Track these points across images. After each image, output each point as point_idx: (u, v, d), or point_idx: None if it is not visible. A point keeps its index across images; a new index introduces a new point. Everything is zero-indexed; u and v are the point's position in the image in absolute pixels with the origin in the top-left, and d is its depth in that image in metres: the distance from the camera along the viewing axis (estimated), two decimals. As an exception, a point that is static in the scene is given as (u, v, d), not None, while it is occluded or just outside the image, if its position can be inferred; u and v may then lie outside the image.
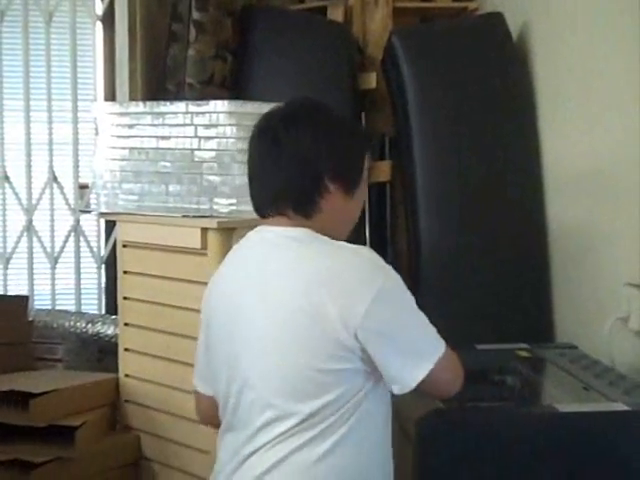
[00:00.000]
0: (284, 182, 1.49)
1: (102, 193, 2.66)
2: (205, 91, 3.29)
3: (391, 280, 1.44)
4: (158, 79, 3.35)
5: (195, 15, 3.27)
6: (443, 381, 1.48)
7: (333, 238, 1.52)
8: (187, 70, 3.27)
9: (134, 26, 3.28)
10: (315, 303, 1.39)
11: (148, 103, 2.59)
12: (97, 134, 2.70)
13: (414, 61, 3.08)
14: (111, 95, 3.36)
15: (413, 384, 1.42)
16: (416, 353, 1.43)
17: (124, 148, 2.61)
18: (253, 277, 1.49)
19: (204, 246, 2.41)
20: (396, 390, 1.44)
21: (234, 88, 3.40)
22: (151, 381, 2.63)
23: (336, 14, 3.68)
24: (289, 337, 1.41)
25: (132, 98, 3.26)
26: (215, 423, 1.61)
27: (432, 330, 1.47)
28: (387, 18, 3.63)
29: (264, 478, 1.41)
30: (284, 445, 1.40)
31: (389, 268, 1.45)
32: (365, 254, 1.46)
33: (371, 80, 3.50)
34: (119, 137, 2.62)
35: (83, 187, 3.37)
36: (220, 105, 2.44)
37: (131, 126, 2.59)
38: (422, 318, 1.47)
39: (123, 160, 2.61)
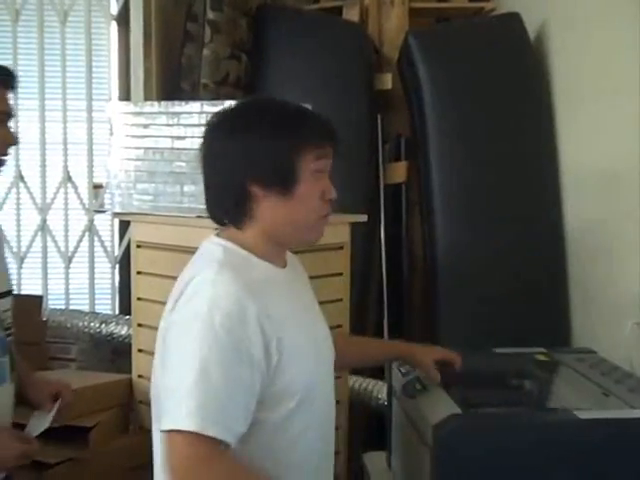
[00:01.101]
0: (212, 194, 1.48)
1: (116, 193, 2.65)
2: (220, 91, 3.28)
3: (199, 316, 1.34)
4: (173, 79, 3.34)
5: (210, 15, 3.25)
6: (170, 456, 1.32)
7: (285, 244, 1.51)
8: (202, 70, 3.26)
9: (149, 26, 3.27)
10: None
11: (163, 103, 2.58)
12: (112, 134, 2.69)
13: (430, 62, 3.06)
14: (126, 95, 3.35)
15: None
16: (169, 404, 1.33)
17: (139, 148, 2.60)
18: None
19: (219, 247, 2.39)
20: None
21: (248, 88, 3.39)
22: (164, 382, 2.61)
23: (352, 14, 3.66)
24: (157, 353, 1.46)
25: (147, 98, 3.25)
26: None
27: (195, 398, 1.29)
28: (403, 18, 3.61)
29: None
30: None
31: (212, 310, 1.34)
32: (200, 290, 1.39)
33: (387, 81, 3.49)
34: (134, 137, 2.61)
35: (97, 187, 3.36)
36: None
37: (146, 126, 2.58)
38: (198, 378, 1.30)
39: (138, 160, 2.60)
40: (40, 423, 1.91)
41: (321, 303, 1.68)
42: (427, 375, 1.82)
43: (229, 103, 2.44)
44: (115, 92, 3.41)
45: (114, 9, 3.33)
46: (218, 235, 1.53)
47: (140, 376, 2.70)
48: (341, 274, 2.62)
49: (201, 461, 1.28)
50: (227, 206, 1.46)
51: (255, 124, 1.43)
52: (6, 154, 1.73)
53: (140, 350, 2.70)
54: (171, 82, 3.35)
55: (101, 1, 3.33)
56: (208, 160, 1.47)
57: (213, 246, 1.50)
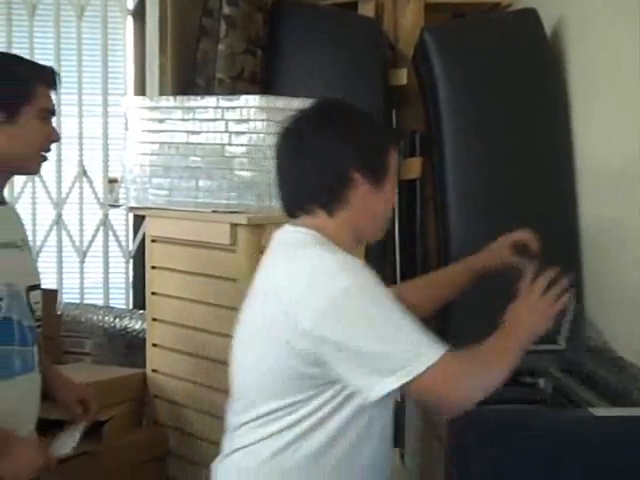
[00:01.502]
0: (311, 180, 1.52)
1: (132, 188, 2.66)
2: (235, 86, 3.27)
3: (346, 287, 1.39)
4: (188, 74, 3.35)
5: (226, 10, 3.25)
6: (432, 394, 1.39)
7: (360, 237, 1.55)
8: (217, 65, 3.26)
9: (165, 21, 3.28)
10: (270, 308, 1.46)
11: (179, 98, 2.58)
12: (127, 129, 2.69)
13: (446, 57, 3.05)
14: (141, 89, 3.36)
15: (375, 397, 1.38)
16: (376, 367, 1.37)
17: (154, 143, 2.60)
18: (257, 275, 1.58)
19: (233, 242, 2.39)
20: (360, 399, 1.41)
21: (264, 83, 3.38)
22: (178, 377, 2.62)
23: (367, 9, 3.65)
24: (255, 338, 1.50)
25: (162, 93, 3.26)
26: None
27: (408, 342, 1.39)
28: (418, 14, 3.60)
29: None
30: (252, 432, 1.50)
31: (353, 274, 1.42)
32: (330, 260, 1.44)
33: (402, 76, 3.48)
34: (149, 132, 2.62)
35: (112, 181, 3.37)
36: (251, 100, 2.43)
37: (161, 121, 2.58)
38: (391, 327, 1.39)
39: (153, 155, 2.60)
40: (66, 444, 1.96)
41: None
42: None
43: (245, 98, 2.47)
44: (130, 87, 3.42)
45: (130, 4, 3.34)
46: (293, 225, 1.57)
47: (154, 370, 2.71)
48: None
49: (460, 371, 1.40)
50: (323, 191, 1.52)
51: (356, 117, 1.55)
52: (49, 150, 1.78)
53: (154, 344, 2.71)
54: (186, 77, 3.35)
55: (117, -4, 3.34)
56: (313, 148, 1.52)
57: (299, 234, 1.53)
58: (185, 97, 2.59)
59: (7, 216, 1.81)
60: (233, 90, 3.22)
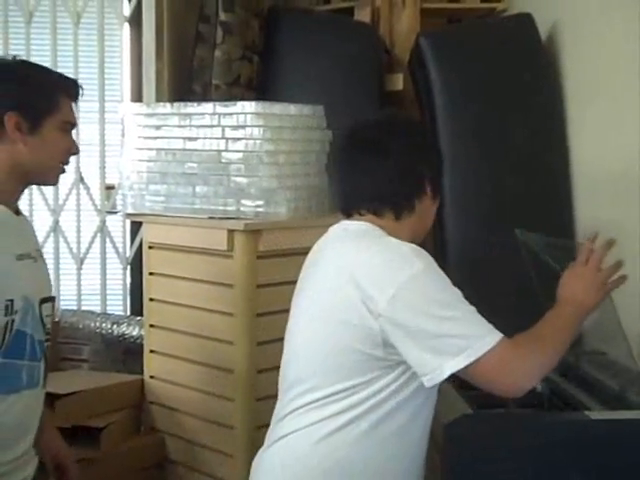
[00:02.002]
0: (392, 185, 1.60)
1: (129, 194, 2.66)
2: (231, 92, 3.28)
3: (421, 271, 1.45)
4: (184, 80, 3.35)
5: (222, 16, 3.26)
6: (491, 378, 1.43)
7: (414, 241, 1.59)
8: (213, 71, 3.27)
9: (161, 27, 3.28)
10: (341, 293, 1.48)
11: (175, 104, 2.59)
12: (124, 135, 2.70)
13: (442, 62, 3.06)
14: (138, 96, 3.36)
15: (440, 378, 1.42)
16: (444, 348, 1.41)
17: (151, 149, 2.61)
18: (312, 265, 1.65)
19: (230, 248, 2.40)
20: (426, 383, 1.43)
21: (260, 89, 3.39)
22: (176, 383, 2.62)
23: (363, 15, 3.67)
24: (320, 324, 1.53)
25: (159, 99, 3.26)
26: None
27: (474, 324, 1.44)
28: (414, 19, 3.61)
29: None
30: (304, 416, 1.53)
31: (425, 259, 1.48)
32: (403, 246, 1.50)
33: (398, 82, 3.49)
34: (146, 138, 2.62)
35: (109, 188, 3.37)
36: (248, 106, 2.44)
37: (158, 127, 2.59)
38: (459, 310, 1.44)
39: (150, 161, 2.61)
40: None
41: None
42: None
43: (241, 104, 2.47)
44: (127, 93, 3.42)
45: (126, 10, 3.34)
46: (354, 220, 1.63)
47: (152, 377, 2.71)
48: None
49: (516, 355, 1.44)
50: (400, 197, 1.60)
51: (424, 132, 1.78)
52: (68, 162, 1.78)
53: (152, 351, 2.71)
54: (183, 83, 3.36)
55: (114, 3, 3.34)
56: (396, 156, 1.59)
57: (365, 226, 1.60)
58: (182, 103, 2.59)
59: (22, 227, 1.78)
60: (229, 96, 3.22)
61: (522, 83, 2.97)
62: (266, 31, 3.46)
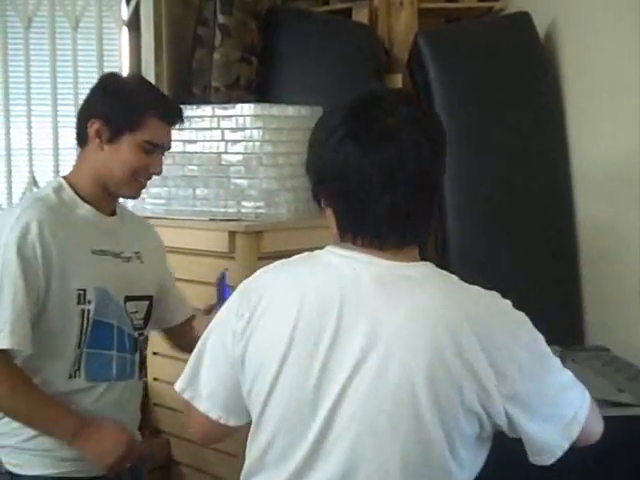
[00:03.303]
0: (432, 211, 1.29)
1: (129, 197, 2.67)
2: (231, 94, 3.28)
3: (534, 332, 1.24)
4: (184, 83, 3.36)
5: (220, 19, 3.27)
6: (591, 435, 1.28)
7: None
8: (213, 74, 3.28)
9: (160, 30, 3.29)
10: (425, 364, 1.17)
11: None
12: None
13: (440, 62, 3.06)
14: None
15: (561, 452, 1.24)
16: (563, 417, 1.22)
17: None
18: (350, 321, 1.22)
19: (232, 250, 2.41)
20: (545, 461, 1.25)
21: (260, 91, 3.39)
22: (179, 384, 2.62)
23: (361, 15, 3.67)
24: (389, 407, 1.19)
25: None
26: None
27: (573, 381, 1.26)
28: (412, 19, 3.61)
29: None
30: None
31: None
32: (504, 300, 1.26)
33: (397, 82, 3.49)
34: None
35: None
36: (246, 108, 2.45)
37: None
38: (564, 371, 1.26)
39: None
40: None
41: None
42: None
43: (240, 106, 2.48)
44: (127, 97, 3.42)
45: (125, 14, 3.35)
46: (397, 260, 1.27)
47: (155, 379, 2.71)
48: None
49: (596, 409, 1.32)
50: (420, 218, 1.29)
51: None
52: (145, 179, 1.86)
53: (155, 353, 2.71)
54: (182, 86, 3.37)
55: (112, 7, 3.35)
56: (412, 161, 1.24)
57: (423, 268, 1.29)
58: (182, 106, 2.59)
59: (115, 228, 1.87)
60: (229, 98, 3.22)
61: (521, 82, 2.98)
62: (265, 33, 3.46)
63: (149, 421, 2.73)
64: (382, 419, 1.19)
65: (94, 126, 1.77)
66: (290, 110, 2.54)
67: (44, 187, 1.92)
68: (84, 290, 1.74)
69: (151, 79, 3.27)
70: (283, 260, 1.36)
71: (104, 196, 1.84)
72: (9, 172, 3.32)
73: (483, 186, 2.92)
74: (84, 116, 1.82)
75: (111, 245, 1.83)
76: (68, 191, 1.81)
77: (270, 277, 1.34)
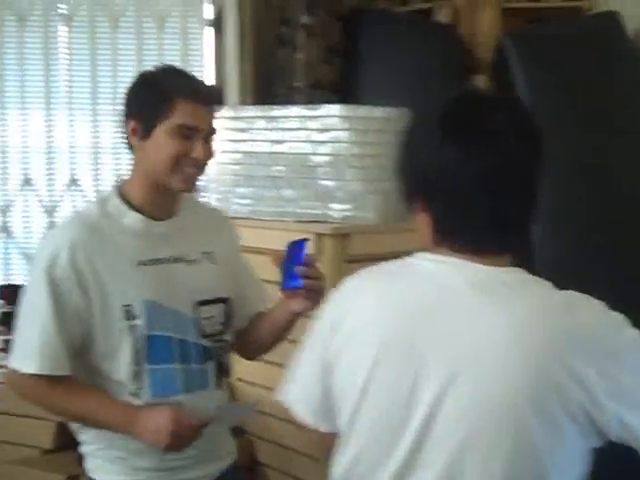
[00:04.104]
0: (531, 216, 1.24)
1: (214, 197, 2.68)
2: (313, 94, 3.29)
3: (633, 330, 1.18)
4: (266, 83, 3.37)
5: (304, 19, 3.27)
6: None
7: None
8: (295, 73, 3.28)
9: (243, 31, 3.31)
10: (553, 371, 1.13)
11: (261, 107, 2.60)
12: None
13: (526, 64, 3.02)
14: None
15: None
16: None
17: (237, 152, 2.62)
18: (447, 327, 1.19)
19: (318, 252, 2.39)
20: None
21: (342, 91, 3.39)
22: (265, 386, 2.62)
23: (442, 16, 3.63)
24: (495, 419, 1.15)
25: (241, 102, 3.29)
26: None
27: None
28: (496, 19, 3.56)
29: None
30: None
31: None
32: (599, 302, 1.20)
33: (480, 83, 3.44)
34: (232, 141, 2.63)
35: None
36: (334, 109, 2.43)
37: (244, 130, 2.60)
38: None
39: (236, 164, 2.62)
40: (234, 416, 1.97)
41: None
42: None
43: (327, 107, 2.46)
44: (210, 97, 3.44)
45: (209, 14, 3.37)
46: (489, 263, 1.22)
47: (240, 379, 2.70)
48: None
49: None
50: (523, 226, 1.25)
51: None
52: (193, 167, 1.71)
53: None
54: (264, 86, 3.38)
55: (196, 7, 3.37)
56: (519, 164, 1.20)
57: (519, 274, 1.24)
58: (267, 106, 2.60)
59: (169, 231, 1.75)
60: (311, 98, 3.23)
61: (610, 82, 2.91)
62: (347, 33, 3.45)
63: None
64: (483, 434, 1.14)
65: (130, 125, 1.70)
66: (377, 111, 2.51)
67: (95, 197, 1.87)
68: (130, 305, 1.67)
69: (234, 79, 3.30)
70: (377, 266, 1.32)
71: (155, 197, 1.73)
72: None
73: (568, 194, 2.85)
74: (122, 120, 1.74)
75: (168, 250, 1.73)
76: (114, 201, 1.73)
77: (364, 284, 1.31)
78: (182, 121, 1.67)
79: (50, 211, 3.42)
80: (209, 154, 1.73)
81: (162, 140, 1.67)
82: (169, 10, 3.32)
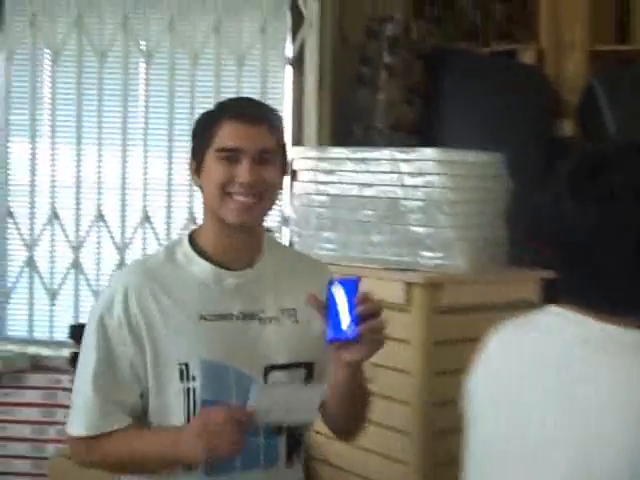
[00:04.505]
0: (623, 265, 1.17)
1: (297, 241, 2.58)
2: (393, 136, 3.19)
3: None
4: (344, 123, 3.29)
5: (386, 58, 3.19)
6: None
7: None
8: (376, 114, 3.19)
9: (323, 69, 3.25)
10: None
11: (350, 148, 2.51)
12: (292, 179, 2.63)
13: (617, 106, 2.90)
14: (298, 138, 3.31)
15: None
16: None
17: (322, 194, 2.53)
18: (557, 381, 1.17)
19: (408, 302, 2.27)
20: None
21: (422, 133, 3.28)
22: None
23: (527, 58, 3.53)
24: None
25: (320, 142, 3.21)
26: None
27: None
28: (583, 61, 3.44)
29: None
30: None
31: None
32: None
33: (567, 127, 3.32)
34: (317, 182, 2.54)
35: (267, 231, 3.31)
36: (429, 152, 2.33)
37: (330, 172, 2.51)
38: None
39: (321, 207, 2.52)
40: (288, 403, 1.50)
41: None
42: None
43: (421, 150, 2.36)
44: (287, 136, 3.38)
45: (289, 52, 3.31)
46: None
47: (316, 432, 2.59)
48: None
49: None
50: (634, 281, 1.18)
51: None
52: (238, 193, 1.54)
53: (315, 403, 2.60)
54: (343, 126, 3.30)
55: (277, 44, 3.32)
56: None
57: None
58: (357, 148, 2.51)
59: (253, 282, 1.59)
60: (391, 140, 3.14)
61: None
62: (428, 72, 3.36)
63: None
64: None
65: (191, 167, 1.61)
66: (473, 156, 2.40)
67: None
68: (186, 364, 1.51)
69: (313, 118, 3.23)
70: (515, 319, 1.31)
71: (227, 241, 1.56)
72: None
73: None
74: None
75: (239, 305, 1.55)
76: (185, 247, 1.59)
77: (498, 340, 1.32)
78: (221, 144, 1.53)
79: (122, 248, 3.36)
80: (257, 177, 1.51)
81: (209, 169, 1.55)
82: (249, 47, 3.26)
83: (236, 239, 1.56)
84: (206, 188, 1.56)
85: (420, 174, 2.33)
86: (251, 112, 1.55)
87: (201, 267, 1.56)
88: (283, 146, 1.61)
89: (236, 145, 1.51)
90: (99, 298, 1.60)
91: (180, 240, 1.62)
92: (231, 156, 1.52)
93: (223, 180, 1.52)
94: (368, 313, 1.42)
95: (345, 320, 1.40)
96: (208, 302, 1.54)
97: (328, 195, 2.51)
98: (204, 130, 1.56)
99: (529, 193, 2.69)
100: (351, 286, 1.43)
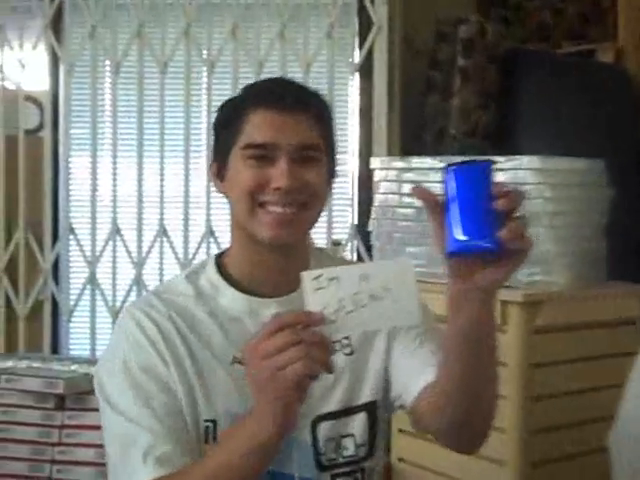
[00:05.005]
0: None
1: (378, 255, 2.44)
2: (467, 142, 3.05)
3: None
4: (414, 130, 3.15)
5: (460, 62, 3.04)
6: None
7: None
8: (451, 120, 3.06)
9: (392, 76, 3.12)
10: None
11: (438, 158, 2.36)
12: (373, 191, 2.50)
13: None
14: (366, 148, 3.17)
15: None
16: None
17: (407, 207, 2.39)
18: None
19: (504, 322, 2.12)
20: None
21: (496, 138, 3.13)
22: (430, 469, 2.35)
23: (605, 57, 3.36)
24: None
25: (390, 151, 3.07)
26: None
27: None
28: (666, 58, 3.28)
29: None
30: None
31: None
32: None
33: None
34: (401, 194, 2.40)
35: (336, 244, 3.17)
36: (527, 161, 2.17)
37: (417, 183, 2.36)
38: None
39: (406, 220, 2.38)
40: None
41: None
42: None
43: (519, 158, 2.18)
44: (355, 145, 3.24)
45: (357, 59, 3.17)
46: None
47: (401, 459, 2.45)
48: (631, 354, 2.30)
49: None
50: None
51: None
52: (271, 201, 1.24)
53: (401, 430, 2.44)
54: (412, 133, 3.16)
55: (344, 51, 3.19)
56: None
57: None
58: (443, 157, 2.36)
59: (297, 308, 1.13)
60: (464, 147, 3.00)
61: None
62: (502, 75, 3.20)
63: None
64: None
65: (210, 169, 1.32)
66: (572, 164, 2.24)
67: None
68: (214, 422, 1.20)
69: (382, 126, 3.10)
70: None
71: (263, 263, 1.26)
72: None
73: None
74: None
75: None
76: (210, 274, 1.29)
77: None
78: (251, 139, 1.20)
79: (185, 264, 3.24)
80: (297, 181, 1.20)
81: (235, 172, 1.23)
82: (315, 54, 3.12)
83: (273, 261, 1.25)
84: (232, 197, 1.26)
85: (516, 183, 2.17)
86: (288, 96, 1.21)
87: (230, 297, 1.26)
88: (331, 141, 1.29)
89: (269, 140, 1.20)
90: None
91: (201, 265, 1.32)
92: (263, 155, 1.20)
93: (253, 186, 1.21)
94: (508, 211, 1.00)
95: (473, 223, 0.97)
96: (241, 341, 1.18)
97: (413, 208, 2.36)
98: (228, 122, 1.25)
99: (630, 202, 2.54)
100: (479, 174, 0.98)
